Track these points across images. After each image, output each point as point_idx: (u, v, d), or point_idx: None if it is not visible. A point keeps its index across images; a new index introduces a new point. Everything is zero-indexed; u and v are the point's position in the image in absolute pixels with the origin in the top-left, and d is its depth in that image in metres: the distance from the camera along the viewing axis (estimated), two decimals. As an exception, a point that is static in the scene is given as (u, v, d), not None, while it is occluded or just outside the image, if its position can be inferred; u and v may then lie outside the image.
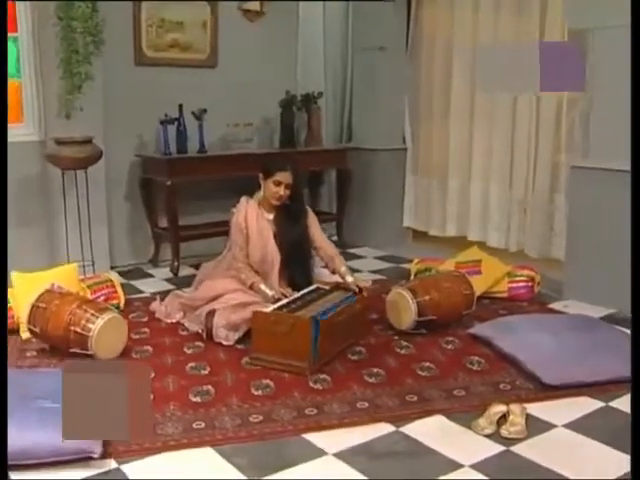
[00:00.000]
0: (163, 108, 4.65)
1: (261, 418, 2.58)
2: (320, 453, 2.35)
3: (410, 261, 5.07)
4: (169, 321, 3.70)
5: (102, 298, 3.75)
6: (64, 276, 3.63)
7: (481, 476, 2.21)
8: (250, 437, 2.45)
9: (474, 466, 2.27)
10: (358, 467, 2.26)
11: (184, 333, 3.54)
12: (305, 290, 3.49)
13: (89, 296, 3.64)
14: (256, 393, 2.81)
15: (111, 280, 3.93)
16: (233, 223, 3.62)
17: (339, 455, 2.34)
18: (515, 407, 2.59)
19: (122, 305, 3.85)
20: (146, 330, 3.57)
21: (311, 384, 2.89)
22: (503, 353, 3.15)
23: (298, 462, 2.29)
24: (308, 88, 5.43)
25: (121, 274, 4.65)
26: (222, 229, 4.87)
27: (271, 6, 5.26)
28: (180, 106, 4.64)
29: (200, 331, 3.46)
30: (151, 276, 4.73)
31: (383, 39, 5.45)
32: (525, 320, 3.44)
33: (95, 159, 4.14)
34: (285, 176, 3.50)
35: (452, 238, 5.41)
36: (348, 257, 4.77)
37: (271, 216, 3.64)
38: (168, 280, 4.61)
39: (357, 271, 4.61)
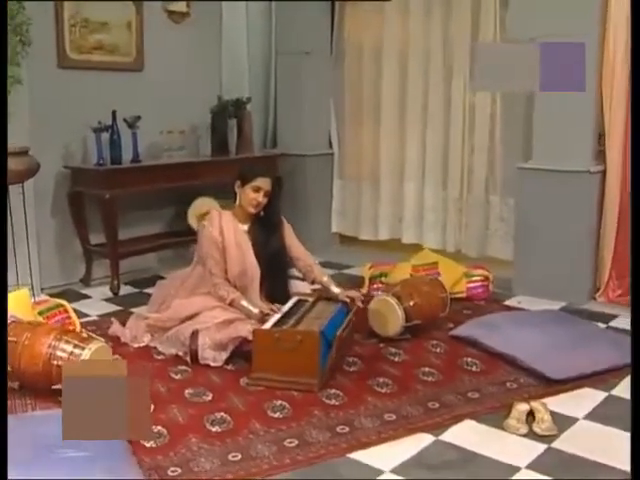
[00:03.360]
0: (88, 114, 4.29)
1: (297, 442, 2.45)
2: (376, 472, 2.27)
3: (347, 267, 5.10)
4: (136, 345, 3.43)
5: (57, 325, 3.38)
6: (16, 303, 3.22)
7: (543, 476, 2.24)
8: (297, 463, 2.32)
9: (530, 467, 2.30)
10: (421, 481, 2.22)
11: (160, 357, 3.29)
12: (290, 304, 3.37)
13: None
14: (274, 416, 2.66)
15: (62, 305, 3.55)
16: (205, 237, 3.41)
17: (396, 471, 2.28)
18: (538, 404, 2.66)
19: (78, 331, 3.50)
20: (117, 357, 3.27)
21: (325, 400, 2.80)
22: (496, 352, 3.22)
23: (362, 483, 2.21)
24: (233, 92, 5.25)
25: (52, 296, 4.20)
26: (163, 242, 4.66)
27: (196, 7, 5.03)
28: (113, 113, 4.30)
29: (181, 353, 3.23)
30: (87, 297, 4.34)
31: (307, 42, 5.41)
32: (505, 318, 3.56)
33: (33, 172, 3.75)
34: (265, 182, 3.36)
35: (384, 242, 5.48)
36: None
37: (246, 227, 3.47)
38: (108, 300, 4.27)
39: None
